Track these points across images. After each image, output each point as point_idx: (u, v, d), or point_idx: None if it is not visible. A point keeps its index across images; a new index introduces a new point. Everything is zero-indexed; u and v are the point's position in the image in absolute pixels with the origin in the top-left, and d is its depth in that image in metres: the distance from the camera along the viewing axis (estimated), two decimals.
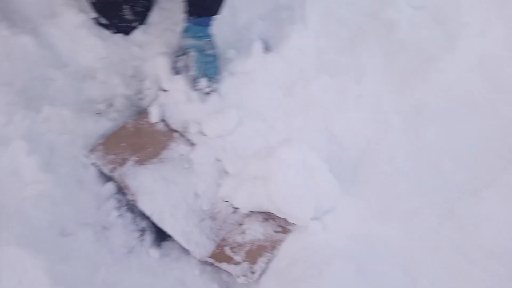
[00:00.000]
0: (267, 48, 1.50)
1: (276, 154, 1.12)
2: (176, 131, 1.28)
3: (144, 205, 1.11)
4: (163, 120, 1.28)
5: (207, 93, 1.32)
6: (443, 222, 1.18)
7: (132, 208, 1.13)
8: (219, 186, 1.21)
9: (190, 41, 1.30)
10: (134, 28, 1.39)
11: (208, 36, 1.33)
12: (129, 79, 1.32)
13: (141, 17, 1.40)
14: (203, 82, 1.30)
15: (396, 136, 1.36)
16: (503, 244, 1.12)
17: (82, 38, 1.28)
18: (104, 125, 1.21)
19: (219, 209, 1.18)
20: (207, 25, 1.32)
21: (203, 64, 1.30)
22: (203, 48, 1.31)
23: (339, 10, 1.62)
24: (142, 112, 1.28)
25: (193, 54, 1.29)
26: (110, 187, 1.12)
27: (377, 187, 1.25)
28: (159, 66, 1.36)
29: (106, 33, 1.34)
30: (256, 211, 1.17)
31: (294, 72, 1.46)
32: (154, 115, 1.26)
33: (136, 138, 1.22)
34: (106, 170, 1.14)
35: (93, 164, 1.14)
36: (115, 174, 1.14)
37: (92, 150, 1.15)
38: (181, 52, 1.31)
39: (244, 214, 1.18)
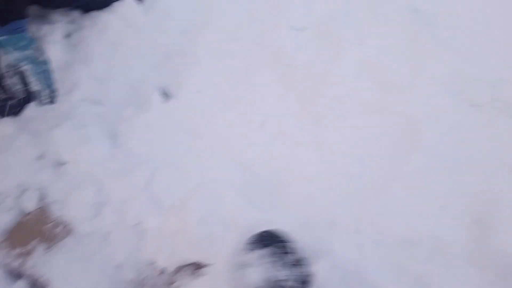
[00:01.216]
0: (167, 96, 1.51)
1: (188, 205, 1.12)
2: None
3: None
4: None
5: (51, 103, 1.24)
6: (362, 224, 1.23)
7: None
8: (139, 249, 1.17)
9: (16, 54, 1.11)
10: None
11: (32, 41, 1.14)
12: None
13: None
14: (46, 93, 1.20)
15: (303, 152, 1.41)
16: (415, 228, 1.20)
17: None
18: (4, 218, 1.14)
19: (146, 274, 1.14)
20: (23, 30, 1.12)
21: (41, 74, 1.17)
22: (34, 56, 1.14)
23: (229, 46, 1.67)
24: None
25: (26, 67, 1.14)
26: (21, 285, 1.04)
27: (296, 207, 1.28)
28: (56, 138, 1.32)
29: None
30: (183, 264, 1.15)
31: (196, 114, 1.47)
32: None
33: (43, 221, 1.16)
34: (14, 267, 1.06)
35: None
36: (25, 269, 1.06)
37: None
38: (11, 71, 1.13)
39: (173, 271, 1.15)
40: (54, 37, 1.56)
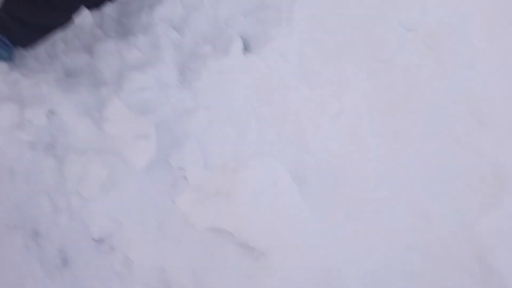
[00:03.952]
0: (247, 48, 1.38)
1: (245, 169, 1.01)
2: None
3: None
4: None
5: None
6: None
7: None
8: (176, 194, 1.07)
9: None
10: None
11: None
12: None
13: None
14: None
15: (372, 159, 1.28)
16: None
17: None
18: None
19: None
20: None
21: None
22: None
23: (328, 19, 1.51)
24: None
25: None
26: None
27: (353, 212, 1.16)
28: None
29: None
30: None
31: (273, 78, 1.35)
32: None
33: None
34: None
35: None
36: None
37: None
38: None
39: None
40: None
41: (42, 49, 1.13)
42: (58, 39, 1.20)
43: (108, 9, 1.31)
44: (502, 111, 1.30)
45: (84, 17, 1.25)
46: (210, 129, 1.21)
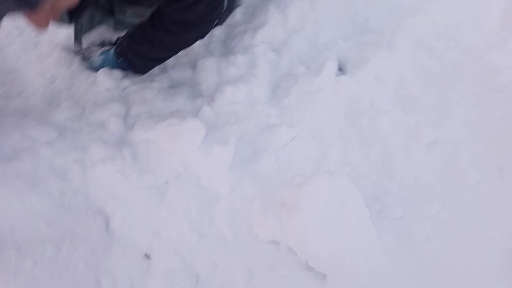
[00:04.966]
0: (342, 70, 1.38)
1: (311, 186, 1.00)
2: None
3: None
4: None
5: None
6: None
7: None
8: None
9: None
10: None
11: None
12: None
13: None
14: None
15: (469, 196, 1.15)
16: None
17: None
18: None
19: None
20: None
21: None
22: None
23: (436, 44, 1.44)
24: None
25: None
26: None
27: (431, 252, 1.04)
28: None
29: None
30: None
31: (364, 101, 1.32)
32: None
33: None
34: None
35: None
36: None
37: None
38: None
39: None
40: None
41: None
42: None
43: (217, 31, 1.46)
44: None
45: None
46: (291, 145, 1.23)
